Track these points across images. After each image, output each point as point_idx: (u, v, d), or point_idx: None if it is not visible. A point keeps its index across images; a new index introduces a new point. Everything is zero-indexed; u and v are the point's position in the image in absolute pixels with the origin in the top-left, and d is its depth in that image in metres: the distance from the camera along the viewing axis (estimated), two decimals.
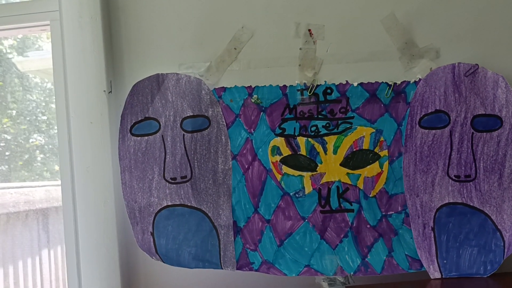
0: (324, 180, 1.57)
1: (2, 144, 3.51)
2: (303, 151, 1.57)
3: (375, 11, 1.59)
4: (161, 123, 1.58)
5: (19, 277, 3.06)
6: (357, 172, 1.56)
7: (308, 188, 1.57)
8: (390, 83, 1.55)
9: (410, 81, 1.55)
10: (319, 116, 1.57)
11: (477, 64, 1.50)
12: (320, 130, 1.56)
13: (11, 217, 3.05)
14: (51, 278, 3.31)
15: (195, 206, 1.58)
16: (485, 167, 1.51)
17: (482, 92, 1.50)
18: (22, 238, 3.13)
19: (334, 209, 1.56)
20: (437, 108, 1.52)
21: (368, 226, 1.56)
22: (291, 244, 1.57)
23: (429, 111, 1.53)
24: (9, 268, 3.01)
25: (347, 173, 1.56)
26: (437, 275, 1.53)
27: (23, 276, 3.10)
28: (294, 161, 1.57)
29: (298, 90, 1.57)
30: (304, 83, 1.58)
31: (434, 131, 1.53)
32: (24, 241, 3.14)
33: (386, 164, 1.55)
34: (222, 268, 1.58)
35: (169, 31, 1.66)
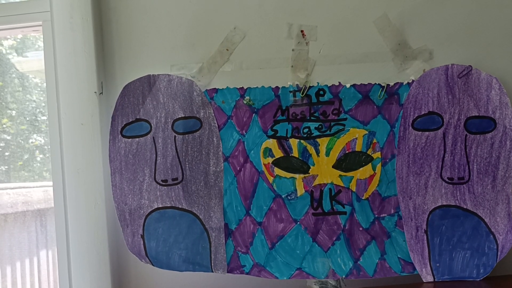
0: (316, 182, 1.55)
1: (1, 145, 3.51)
2: (295, 153, 1.56)
3: (368, 12, 1.58)
4: (152, 125, 1.57)
5: (16, 278, 3.06)
6: (349, 174, 1.55)
7: (300, 190, 1.56)
8: (383, 84, 1.53)
9: (403, 83, 1.53)
10: (312, 118, 1.56)
11: (470, 66, 1.49)
12: (312, 131, 1.55)
13: (9, 218, 3.04)
14: (49, 279, 3.30)
15: (186, 208, 1.57)
16: (478, 170, 1.49)
17: (475, 93, 1.49)
18: (20, 238, 3.12)
19: (326, 211, 1.55)
20: (431, 110, 1.51)
21: (361, 228, 1.54)
22: (283, 247, 1.56)
23: (422, 112, 1.51)
24: (7, 269, 3.00)
25: (340, 175, 1.55)
26: (430, 278, 1.52)
27: (21, 277, 3.10)
28: (286, 163, 1.56)
29: (290, 91, 1.56)
30: (297, 85, 1.57)
31: (427, 133, 1.51)
32: (22, 242, 3.14)
33: (379, 166, 1.54)
34: (212, 271, 1.57)
35: (161, 32, 1.65)
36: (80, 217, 1.59)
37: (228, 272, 1.57)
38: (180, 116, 1.57)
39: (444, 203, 1.51)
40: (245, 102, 1.57)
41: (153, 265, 1.58)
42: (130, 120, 1.57)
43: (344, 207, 1.55)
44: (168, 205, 1.57)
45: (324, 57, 1.59)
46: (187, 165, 1.57)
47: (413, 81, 1.53)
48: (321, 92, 1.56)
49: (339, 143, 1.55)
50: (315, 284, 1.55)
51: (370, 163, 1.54)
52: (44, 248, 3.29)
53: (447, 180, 1.51)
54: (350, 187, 1.55)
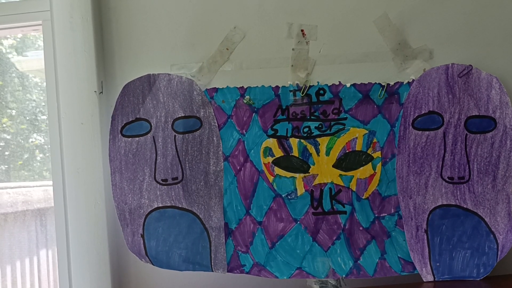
0: (316, 181, 1.55)
1: (1, 144, 3.51)
2: (295, 153, 1.56)
3: (368, 12, 1.58)
4: (152, 124, 1.57)
5: (16, 277, 3.06)
6: (349, 173, 1.55)
7: (301, 190, 1.56)
8: (383, 84, 1.53)
9: (403, 82, 1.53)
10: (312, 117, 1.55)
11: (471, 65, 1.49)
12: (312, 131, 1.55)
13: (9, 217, 3.05)
14: (49, 279, 3.30)
15: (186, 207, 1.57)
16: (478, 169, 1.49)
17: (476, 93, 1.49)
18: (20, 238, 3.12)
19: (326, 211, 1.55)
20: (431, 109, 1.51)
21: (361, 228, 1.54)
22: (283, 246, 1.56)
23: (423, 112, 1.51)
24: (7, 268, 3.00)
25: (340, 175, 1.55)
26: (430, 277, 1.52)
27: (21, 277, 3.10)
28: (286, 162, 1.56)
29: (290, 91, 1.56)
30: (297, 84, 1.57)
31: (427, 132, 1.51)
32: (22, 241, 3.14)
33: (379, 165, 1.54)
34: (212, 271, 1.57)
35: (161, 32, 1.65)
36: (80, 217, 1.59)
37: (228, 271, 1.57)
38: (180, 116, 1.57)
39: (444, 203, 1.51)
40: (245, 101, 1.56)
41: (153, 264, 1.58)
42: (130, 119, 1.57)
43: (344, 207, 1.55)
44: (168, 205, 1.57)
45: (324, 56, 1.59)
46: (187, 165, 1.57)
47: (413, 80, 1.53)
48: (321, 92, 1.56)
49: (339, 142, 1.55)
50: (315, 284, 1.55)
51: (370, 163, 1.54)
52: (44, 248, 3.29)
53: (447, 179, 1.51)
54: (350, 187, 1.55)
